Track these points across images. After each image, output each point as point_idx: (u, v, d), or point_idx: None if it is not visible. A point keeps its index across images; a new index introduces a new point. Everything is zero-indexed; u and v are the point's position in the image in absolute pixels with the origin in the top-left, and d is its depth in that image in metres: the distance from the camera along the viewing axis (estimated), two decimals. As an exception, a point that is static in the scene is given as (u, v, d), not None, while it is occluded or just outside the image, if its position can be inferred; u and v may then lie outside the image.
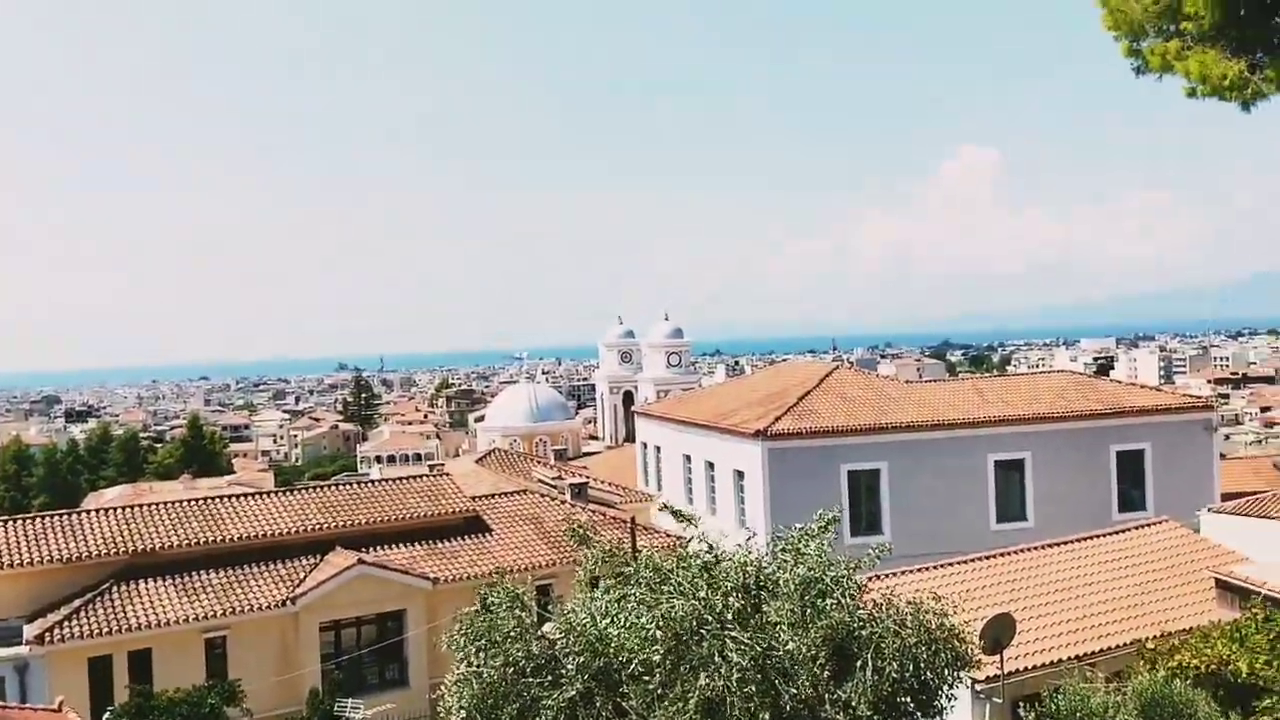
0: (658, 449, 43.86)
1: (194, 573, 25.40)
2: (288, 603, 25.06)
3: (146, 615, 23.96)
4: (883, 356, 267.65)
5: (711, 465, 37.06)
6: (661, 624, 11.11)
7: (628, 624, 11.38)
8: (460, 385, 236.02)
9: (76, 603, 24.14)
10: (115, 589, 24.67)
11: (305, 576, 25.84)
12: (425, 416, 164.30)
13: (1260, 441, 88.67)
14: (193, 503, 28.09)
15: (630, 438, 71.12)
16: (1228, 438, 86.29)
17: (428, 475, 31.30)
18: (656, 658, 10.96)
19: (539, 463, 43.79)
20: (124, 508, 27.55)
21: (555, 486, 35.35)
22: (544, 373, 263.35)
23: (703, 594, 11.48)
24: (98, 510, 27.31)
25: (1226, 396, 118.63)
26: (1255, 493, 32.40)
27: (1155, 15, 11.13)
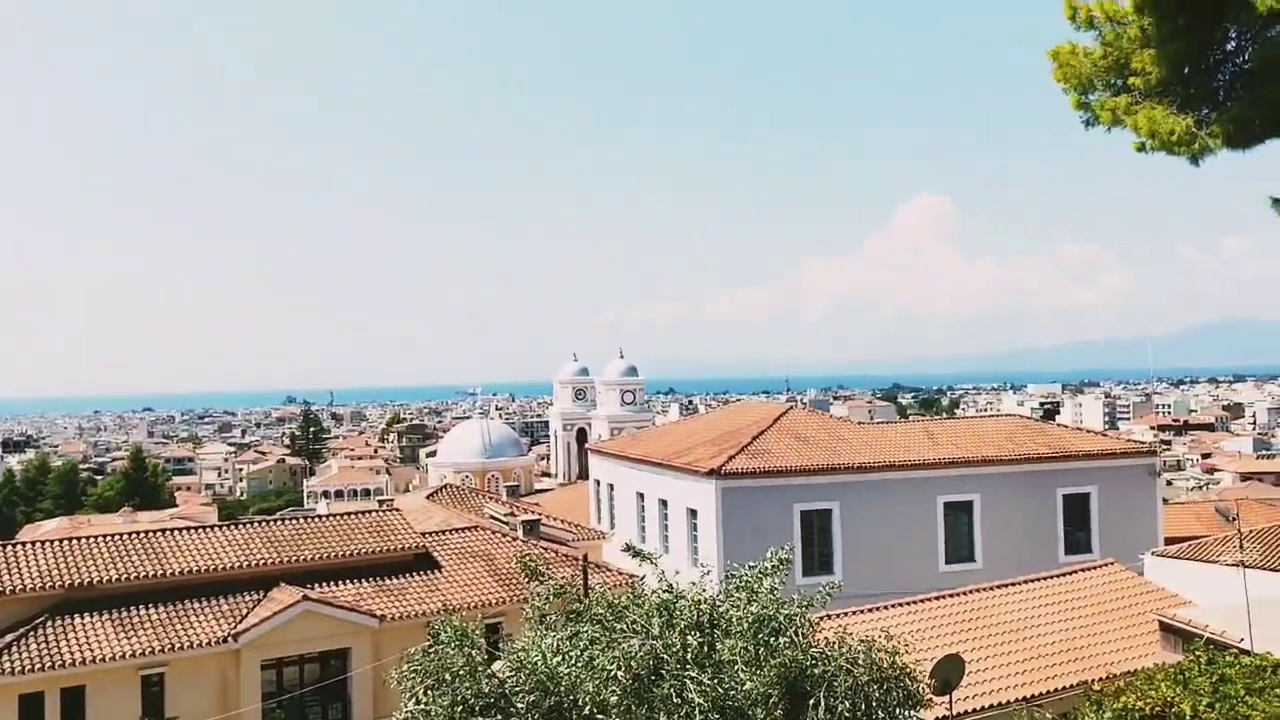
0: (611, 486, 43.77)
1: (132, 608, 24.78)
2: (229, 640, 24.51)
3: (81, 651, 23.29)
4: (835, 398, 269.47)
5: (665, 503, 37.05)
6: (620, 663, 11.01)
7: (581, 662, 11.28)
8: (412, 420, 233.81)
9: (9, 637, 23.42)
10: (49, 624, 23.99)
11: (248, 613, 25.31)
12: (375, 451, 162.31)
13: (1201, 487, 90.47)
14: (133, 536, 27.46)
15: (584, 475, 70.78)
16: (1170, 483, 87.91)
17: (376, 511, 30.88)
18: (614, 698, 10.85)
19: (491, 499, 43.44)
20: (61, 540, 26.86)
21: (507, 523, 35.07)
22: (497, 409, 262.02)
23: (659, 633, 11.40)
24: (33, 543, 26.59)
25: (1169, 443, 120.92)
26: (1197, 537, 33.03)
27: (1103, 70, 11.44)
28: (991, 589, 23.22)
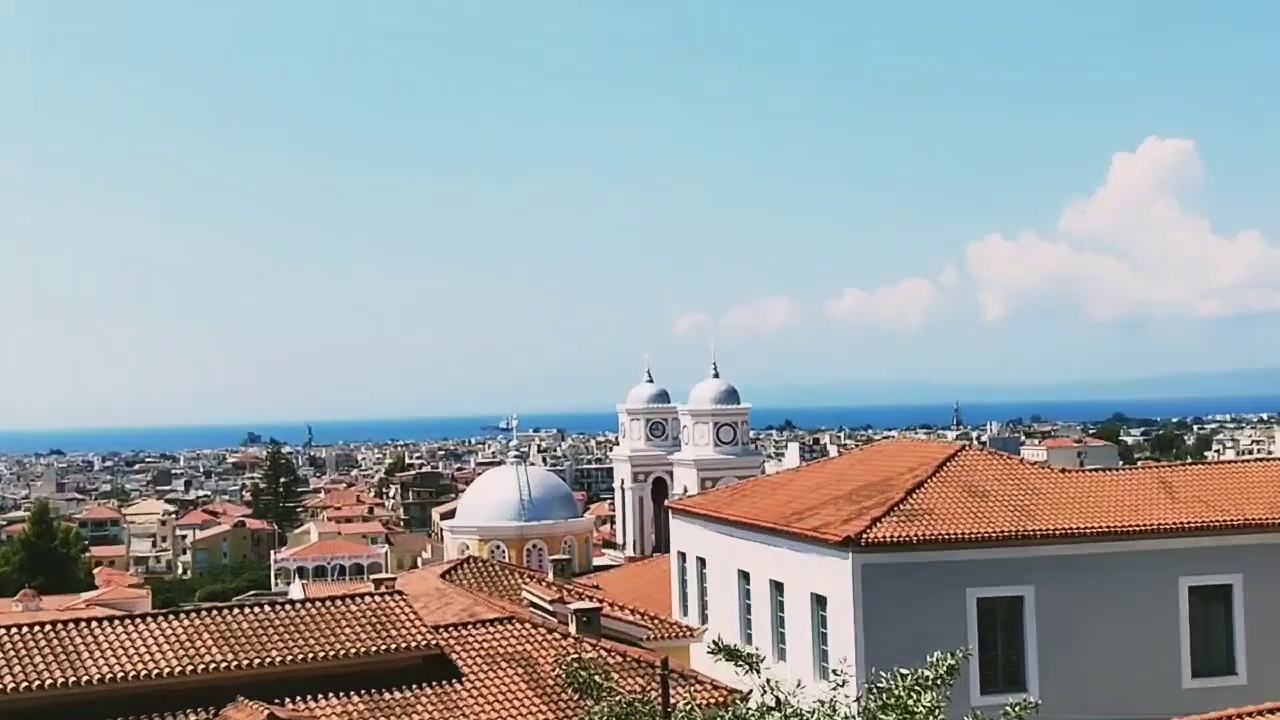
0: (702, 562, 43.70)
1: (36, 729, 25.33)
2: (168, 775, 24.93)
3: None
4: (1028, 434, 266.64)
5: (779, 587, 37.02)
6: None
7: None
8: (421, 466, 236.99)
9: None
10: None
11: (193, 738, 25.75)
12: (370, 510, 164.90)
13: None
14: (34, 631, 28.06)
15: (663, 545, 70.76)
16: None
17: (372, 595, 31.24)
18: None
19: (532, 578, 43.61)
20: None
21: (554, 613, 35.21)
22: (540, 450, 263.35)
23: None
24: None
25: None
26: None
27: None
28: (1262, 715, 22.72)
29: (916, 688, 12.98)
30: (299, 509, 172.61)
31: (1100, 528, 33.72)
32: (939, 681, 13.10)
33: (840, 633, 33.08)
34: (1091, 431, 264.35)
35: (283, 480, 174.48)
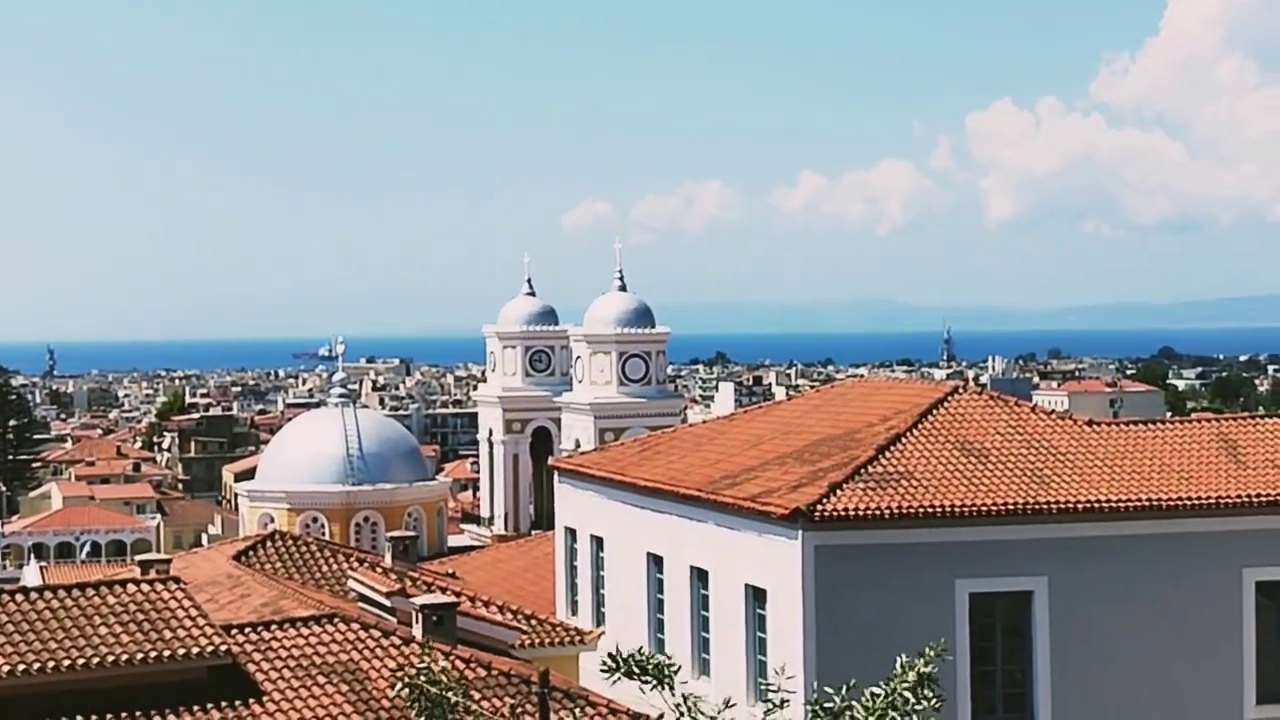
0: (597, 542, 43.89)
1: None
2: None
3: None
4: (1044, 374, 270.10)
5: (703, 576, 37.22)
6: None
7: None
8: (208, 408, 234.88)
9: None
10: None
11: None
12: (137, 467, 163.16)
13: None
14: None
15: (545, 520, 70.81)
16: None
17: (138, 583, 31.07)
18: None
19: (361, 563, 43.55)
20: None
21: (392, 610, 35.24)
22: (376, 388, 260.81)
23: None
24: None
25: None
26: None
27: None
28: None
29: (881, 706, 13.13)
30: (35, 464, 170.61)
31: (1139, 501, 34.06)
32: (912, 699, 13.25)
33: (783, 638, 33.27)
34: (1130, 372, 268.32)
35: (11, 424, 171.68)
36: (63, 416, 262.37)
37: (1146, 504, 34.07)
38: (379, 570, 42.30)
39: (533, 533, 72.29)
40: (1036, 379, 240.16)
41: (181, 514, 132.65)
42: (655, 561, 39.79)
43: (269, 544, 44.92)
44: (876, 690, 13.50)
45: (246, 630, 30.91)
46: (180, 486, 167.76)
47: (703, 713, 13.38)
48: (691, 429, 50.99)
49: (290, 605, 34.79)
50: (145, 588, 30.70)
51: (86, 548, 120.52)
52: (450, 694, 14.84)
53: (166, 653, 28.57)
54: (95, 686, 28.02)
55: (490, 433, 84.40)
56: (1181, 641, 33.87)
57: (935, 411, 37.91)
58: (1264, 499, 34.49)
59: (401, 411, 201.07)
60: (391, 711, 28.70)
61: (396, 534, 53.38)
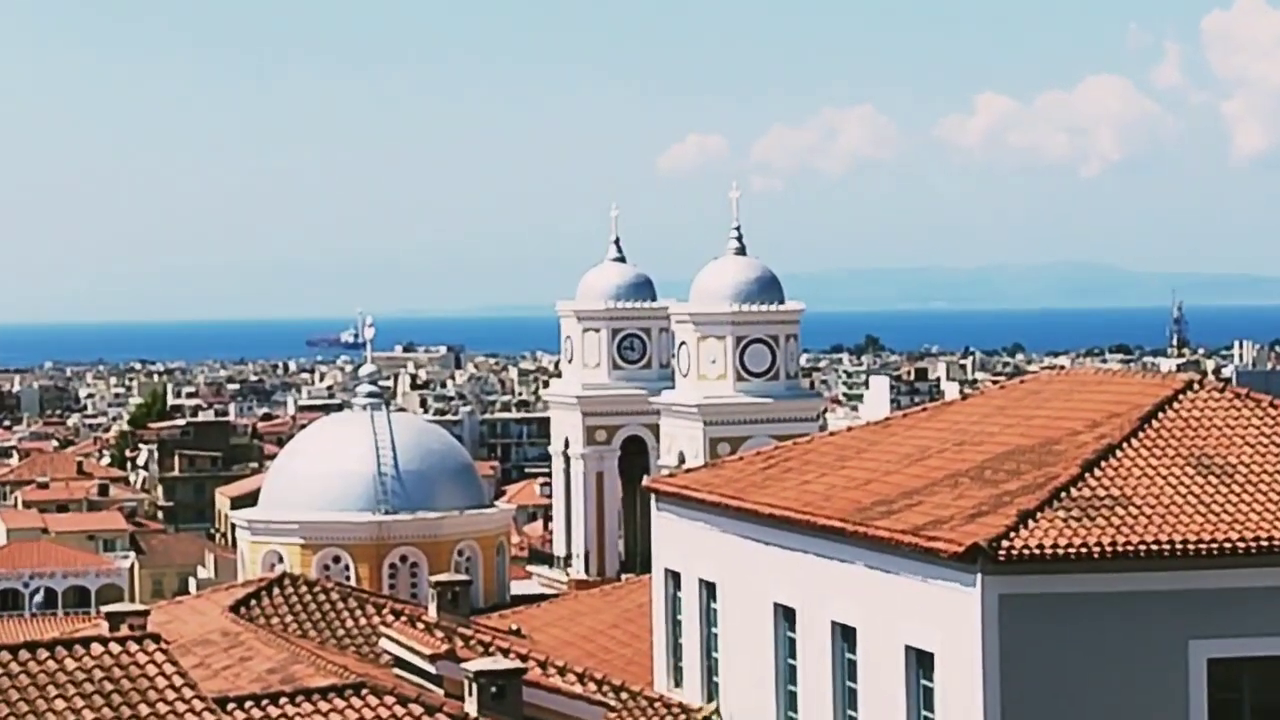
0: (708, 589, 44.01)
1: None
2: None
3: None
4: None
5: (849, 634, 37.31)
6: None
7: None
8: (196, 412, 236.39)
9: None
10: None
11: None
12: (104, 489, 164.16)
13: None
14: None
15: (639, 560, 70.89)
16: None
17: (106, 642, 31.34)
18: None
19: (397, 615, 43.85)
20: None
21: (437, 675, 35.43)
22: (416, 385, 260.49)
23: None
24: None
25: None
26: None
27: None
28: None
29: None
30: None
31: None
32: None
33: (959, 716, 33.28)
34: None
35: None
36: (6, 424, 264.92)
37: None
38: (421, 626, 42.51)
39: (623, 577, 72.35)
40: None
41: (162, 551, 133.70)
42: (786, 615, 39.80)
43: (277, 591, 45.24)
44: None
45: (248, 705, 31.10)
46: (160, 515, 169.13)
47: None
48: (834, 438, 50.80)
49: (304, 672, 34.98)
50: (115, 649, 30.93)
51: (38, 596, 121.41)
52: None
53: (142, 735, 28.77)
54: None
55: (566, 444, 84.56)
56: None
57: (1162, 415, 37.72)
58: None
59: (450, 416, 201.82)
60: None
61: (444, 578, 53.75)
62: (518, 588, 77.41)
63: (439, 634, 40.87)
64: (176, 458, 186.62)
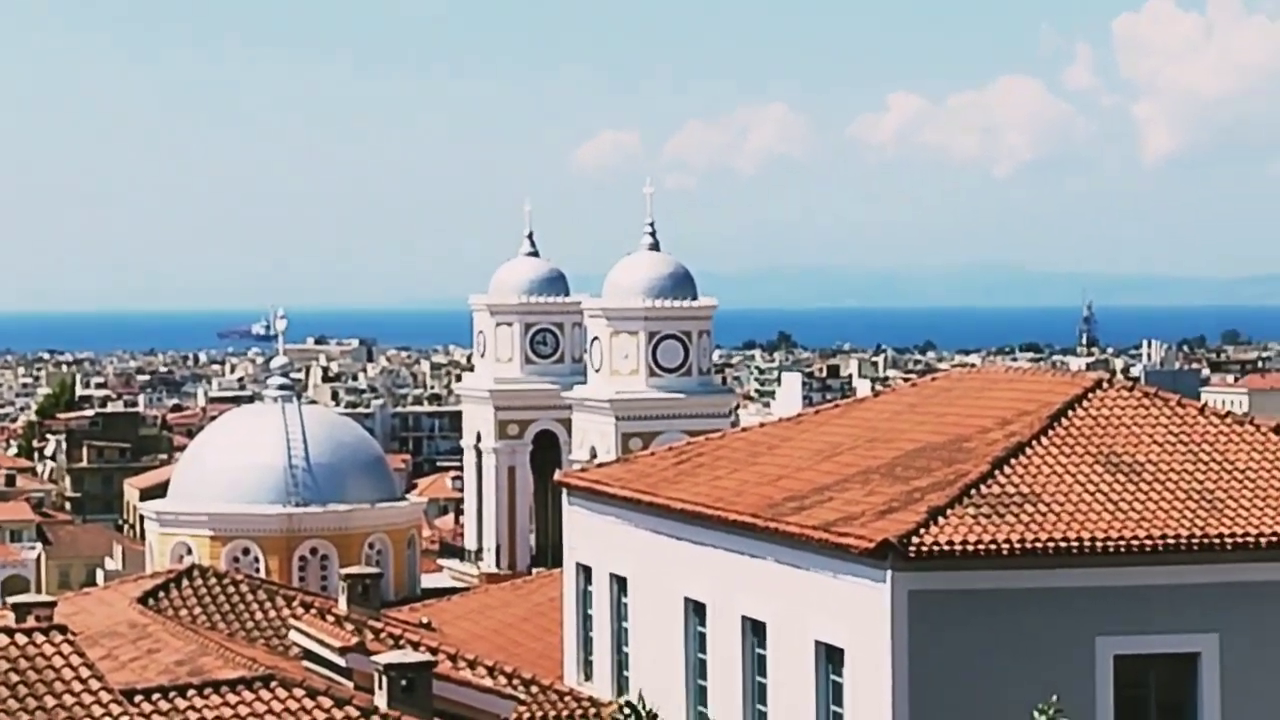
0: (619, 583, 44.12)
1: None
2: None
3: None
4: (1216, 364, 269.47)
5: (759, 629, 37.39)
6: None
7: None
8: (105, 403, 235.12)
9: None
10: None
11: None
12: (11, 480, 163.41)
13: None
14: None
15: (550, 554, 70.86)
16: None
17: (12, 632, 31.18)
18: None
19: (307, 608, 43.74)
20: None
21: (347, 667, 35.36)
22: (328, 377, 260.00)
23: None
24: None
25: None
26: None
27: None
28: None
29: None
30: None
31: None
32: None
33: (865, 712, 33.37)
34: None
35: None
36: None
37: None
38: (331, 619, 42.40)
39: (534, 571, 72.39)
40: (1207, 371, 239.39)
41: (70, 542, 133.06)
42: (696, 610, 39.88)
43: (185, 583, 45.07)
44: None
45: (155, 697, 30.95)
46: (68, 506, 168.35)
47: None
48: (745, 435, 50.92)
49: (213, 664, 34.85)
50: (21, 640, 30.77)
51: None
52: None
53: (49, 728, 28.64)
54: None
55: (478, 438, 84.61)
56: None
57: (1071, 413, 37.95)
58: None
59: (362, 409, 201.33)
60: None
61: (354, 571, 53.56)
62: (428, 581, 77.36)
63: (349, 627, 40.81)
64: (85, 448, 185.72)
